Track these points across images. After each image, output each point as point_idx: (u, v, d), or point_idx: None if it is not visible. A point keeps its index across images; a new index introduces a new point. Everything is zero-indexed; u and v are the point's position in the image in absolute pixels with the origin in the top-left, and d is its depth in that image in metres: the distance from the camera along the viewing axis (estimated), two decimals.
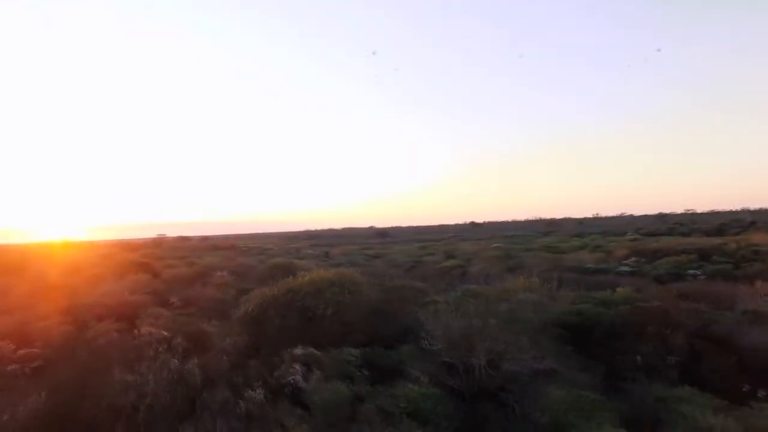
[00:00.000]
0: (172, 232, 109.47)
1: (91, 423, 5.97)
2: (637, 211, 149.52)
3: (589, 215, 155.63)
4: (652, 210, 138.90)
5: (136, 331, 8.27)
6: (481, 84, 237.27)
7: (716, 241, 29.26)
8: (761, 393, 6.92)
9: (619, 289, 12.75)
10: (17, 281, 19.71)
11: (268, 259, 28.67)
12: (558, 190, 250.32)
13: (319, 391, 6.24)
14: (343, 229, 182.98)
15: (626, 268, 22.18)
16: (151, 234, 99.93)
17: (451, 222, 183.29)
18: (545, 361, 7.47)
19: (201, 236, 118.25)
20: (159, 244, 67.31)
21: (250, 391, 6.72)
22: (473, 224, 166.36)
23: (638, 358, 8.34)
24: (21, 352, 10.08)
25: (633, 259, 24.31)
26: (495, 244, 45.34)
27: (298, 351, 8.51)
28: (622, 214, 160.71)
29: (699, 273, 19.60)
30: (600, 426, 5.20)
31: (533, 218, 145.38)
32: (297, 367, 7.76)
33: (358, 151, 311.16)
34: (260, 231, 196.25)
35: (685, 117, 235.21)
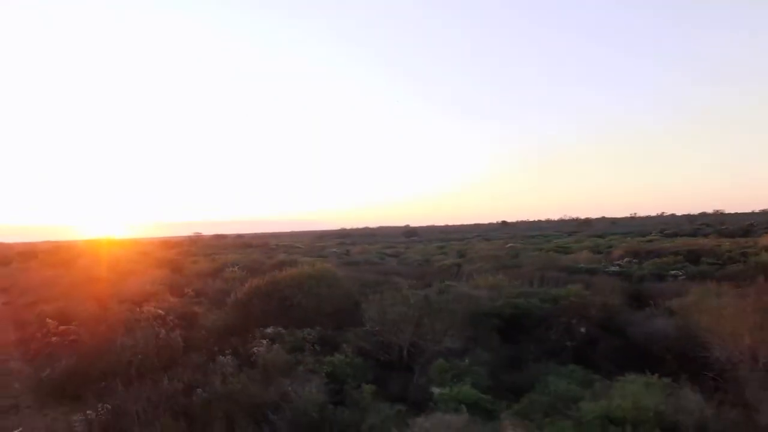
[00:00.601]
0: (217, 230, 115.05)
1: (102, 375, 8.21)
2: (679, 210, 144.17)
3: (627, 215, 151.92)
4: (694, 209, 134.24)
5: (138, 309, 10.57)
6: (518, 82, 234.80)
7: (713, 242, 29.51)
8: (630, 372, 8.42)
9: (570, 287, 14.14)
10: (64, 273, 22.89)
11: (286, 256, 31.11)
12: (597, 189, 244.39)
13: (265, 356, 8.25)
14: (378, 228, 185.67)
15: (615, 269, 23.13)
16: (197, 231, 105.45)
17: (486, 221, 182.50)
18: (458, 343, 9.20)
19: (236, 234, 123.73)
20: (195, 242, 71.83)
21: (221, 356, 8.83)
22: (504, 223, 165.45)
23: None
24: (61, 328, 12.65)
25: (626, 259, 25.16)
26: (510, 244, 46.33)
27: (269, 330, 10.60)
28: (662, 213, 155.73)
29: (680, 274, 20.43)
30: (462, 384, 6.93)
31: (566, 218, 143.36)
32: (264, 341, 9.83)
33: (397, 150, 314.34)
34: (299, 229, 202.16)
35: (731, 114, 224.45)
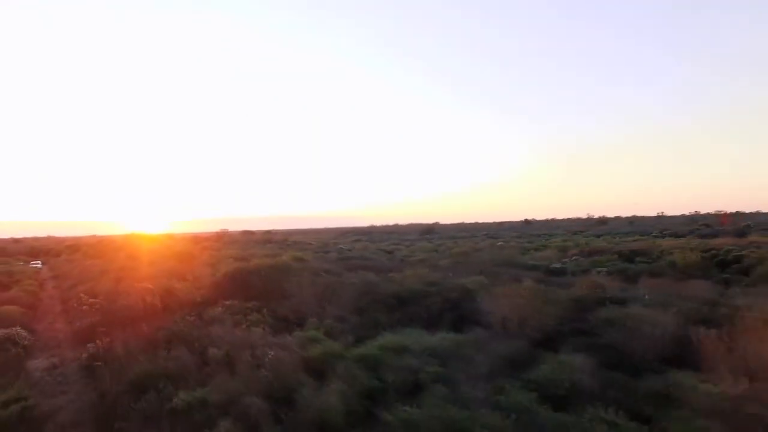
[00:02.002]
0: (255, 227, 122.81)
1: (111, 326, 12.82)
2: (711, 209, 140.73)
3: (654, 214, 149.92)
4: (726, 208, 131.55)
5: (135, 285, 15.21)
6: (552, 83, 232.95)
7: (669, 243, 32.10)
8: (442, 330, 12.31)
9: (474, 278, 17.96)
10: (100, 263, 28.26)
11: (281, 250, 35.84)
12: (625, 188, 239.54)
13: (213, 314, 12.66)
14: (408, 225, 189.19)
15: (557, 265, 26.52)
16: (224, 228, 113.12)
17: (516, 218, 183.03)
18: (344, 312, 13.34)
19: (264, 231, 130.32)
20: (220, 237, 78.24)
21: (187, 317, 13.32)
22: (526, 222, 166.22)
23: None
24: (90, 300, 17.57)
25: (573, 258, 28.42)
26: (500, 242, 49.65)
27: (227, 302, 15.05)
28: (696, 212, 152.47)
29: (604, 270, 23.69)
30: (311, 329, 11.07)
31: (584, 216, 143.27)
32: (219, 308, 14.26)
33: (428, 148, 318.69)
34: (331, 225, 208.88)
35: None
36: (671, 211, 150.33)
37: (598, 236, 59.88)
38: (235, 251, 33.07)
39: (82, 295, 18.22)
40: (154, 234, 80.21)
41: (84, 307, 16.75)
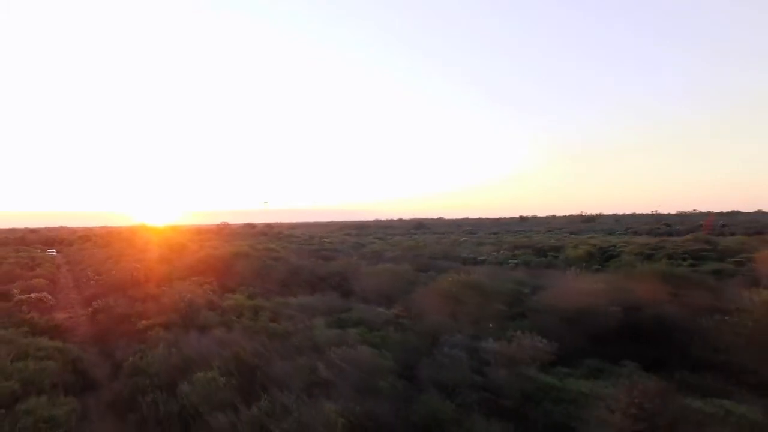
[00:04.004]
0: (273, 219, 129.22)
1: (108, 292, 18.34)
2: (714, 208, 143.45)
3: (648, 212, 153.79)
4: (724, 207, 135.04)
5: (126, 265, 20.80)
6: (554, 78, 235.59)
7: (599, 240, 37.09)
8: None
9: (386, 265, 23.21)
10: (106, 251, 34.02)
11: (258, 243, 41.40)
12: (626, 186, 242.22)
13: (180, 287, 18.13)
14: (406, 221, 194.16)
15: (483, 257, 31.69)
16: (224, 221, 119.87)
17: (519, 215, 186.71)
18: (270, 287, 18.72)
19: (265, 224, 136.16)
20: (221, 230, 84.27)
21: (162, 287, 18.82)
22: (521, 218, 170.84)
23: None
24: (96, 277, 23.21)
25: (502, 252, 33.57)
26: (463, 238, 54.79)
27: (195, 278, 20.53)
28: (696, 210, 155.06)
29: (516, 262, 28.81)
30: (239, 294, 16.45)
31: (576, 213, 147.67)
32: (187, 281, 19.74)
33: (437, 144, 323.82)
34: (340, 219, 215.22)
35: None
36: (669, 209, 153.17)
37: (573, 233, 64.70)
38: (220, 242, 38.70)
39: (89, 273, 23.90)
40: (160, 226, 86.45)
41: (91, 282, 22.40)
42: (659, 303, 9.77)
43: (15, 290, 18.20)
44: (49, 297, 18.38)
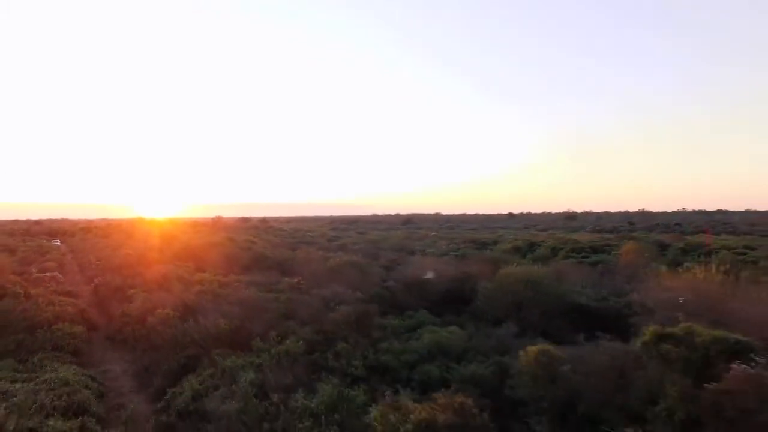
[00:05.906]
0: (273, 213, 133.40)
1: (105, 272, 23.17)
2: (708, 207, 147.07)
3: (637, 209, 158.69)
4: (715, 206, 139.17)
5: (119, 251, 25.63)
6: (556, 74, 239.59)
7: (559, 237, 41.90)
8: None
9: (335, 257, 28.05)
10: (105, 241, 38.94)
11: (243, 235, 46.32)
12: (625, 184, 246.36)
13: (168, 271, 22.96)
14: (409, 215, 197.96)
15: (432, 250, 36.48)
16: (218, 215, 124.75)
17: (514, 211, 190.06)
18: (235, 269, 23.57)
19: (260, 218, 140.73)
20: (215, 223, 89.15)
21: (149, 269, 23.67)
22: (510, 215, 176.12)
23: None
24: (97, 262, 28.03)
25: (451, 245, 38.39)
26: (433, 233, 59.60)
27: (177, 263, 25.39)
28: (682, 209, 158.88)
29: (457, 254, 33.59)
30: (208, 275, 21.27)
31: (562, 211, 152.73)
32: (170, 265, 24.59)
33: (441, 138, 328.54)
34: (336, 214, 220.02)
35: None
36: (668, 207, 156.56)
37: (544, 230, 69.51)
38: (208, 234, 43.58)
39: (91, 259, 28.77)
40: (157, 219, 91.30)
41: (92, 265, 27.27)
42: (476, 277, 14.59)
43: (33, 270, 23.06)
44: (60, 276, 23.23)
